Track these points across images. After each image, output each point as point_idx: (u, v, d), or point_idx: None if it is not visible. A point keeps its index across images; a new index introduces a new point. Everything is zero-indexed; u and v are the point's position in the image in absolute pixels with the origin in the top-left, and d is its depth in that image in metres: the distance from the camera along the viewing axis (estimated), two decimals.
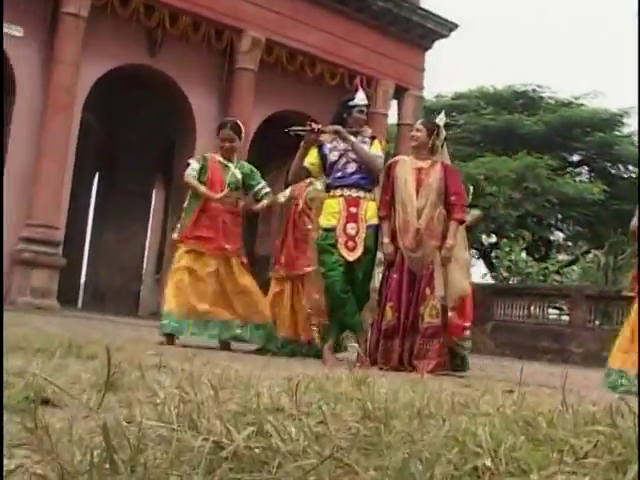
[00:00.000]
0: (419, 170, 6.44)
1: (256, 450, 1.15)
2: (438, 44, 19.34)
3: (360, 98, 6.63)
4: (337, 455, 1.21)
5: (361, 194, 6.35)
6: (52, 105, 14.19)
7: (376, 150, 6.50)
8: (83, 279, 23.16)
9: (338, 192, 6.38)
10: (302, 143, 6.46)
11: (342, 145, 6.43)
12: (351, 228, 6.27)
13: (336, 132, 6.45)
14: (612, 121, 28.85)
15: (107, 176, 22.75)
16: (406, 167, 6.50)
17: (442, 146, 6.53)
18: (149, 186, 22.75)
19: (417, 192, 6.38)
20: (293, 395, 2.02)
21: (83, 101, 15.09)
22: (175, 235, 7.27)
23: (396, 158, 6.94)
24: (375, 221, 6.39)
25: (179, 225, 7.28)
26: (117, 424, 1.50)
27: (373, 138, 6.59)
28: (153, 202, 23.43)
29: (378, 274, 7.64)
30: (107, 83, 15.69)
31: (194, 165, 7.19)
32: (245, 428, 1.40)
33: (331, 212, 6.36)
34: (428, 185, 6.35)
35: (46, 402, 1.98)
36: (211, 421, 1.36)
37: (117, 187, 21.90)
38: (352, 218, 6.29)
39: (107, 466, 1.06)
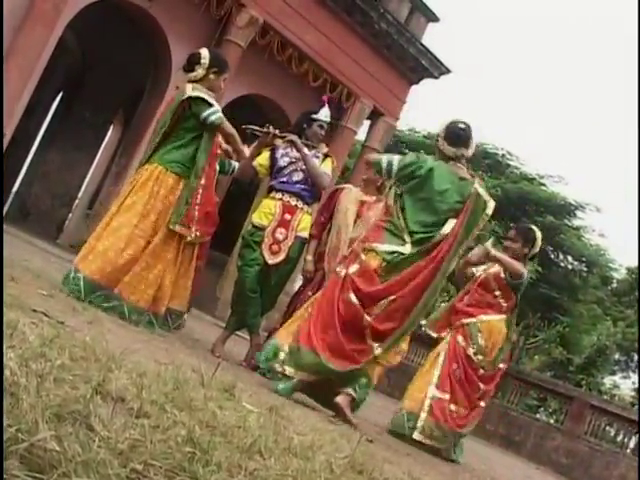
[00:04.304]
0: (362, 203, 6.56)
1: (52, 452, 1.15)
2: (426, 82, 19.46)
3: (324, 114, 6.71)
4: (131, 476, 1.21)
5: (299, 204, 6.41)
6: (35, 15, 13.84)
7: (326, 168, 6.57)
8: (14, 191, 22.72)
9: (278, 195, 6.44)
10: (256, 143, 6.49)
11: (294, 153, 6.49)
12: (280, 233, 6.33)
13: (291, 142, 6.50)
14: (566, 209, 29.40)
15: (69, 98, 22.30)
16: (351, 196, 6.61)
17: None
18: (106, 121, 22.34)
19: (354, 223, 6.50)
20: (139, 391, 2.00)
21: (67, 21, 14.77)
22: None
23: (344, 185, 7.08)
24: (305, 234, 6.48)
25: None
26: None
27: (326, 156, 6.66)
28: (107, 138, 23.03)
29: (299, 280, 7.71)
30: (98, 10, 15.39)
31: None
32: (66, 420, 1.39)
33: (265, 212, 6.42)
34: (367, 218, 6.44)
35: None
36: (30, 407, 1.34)
37: (75, 112, 21.50)
38: (284, 224, 6.35)
39: None
